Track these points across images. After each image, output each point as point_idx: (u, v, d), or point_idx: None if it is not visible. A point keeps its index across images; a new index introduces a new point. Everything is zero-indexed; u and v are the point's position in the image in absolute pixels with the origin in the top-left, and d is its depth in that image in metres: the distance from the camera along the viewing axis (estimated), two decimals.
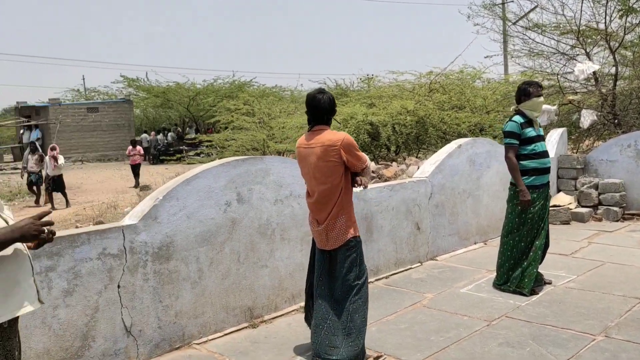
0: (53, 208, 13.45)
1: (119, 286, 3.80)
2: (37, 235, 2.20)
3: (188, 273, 4.18)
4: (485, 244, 7.13)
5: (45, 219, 2.24)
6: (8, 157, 32.00)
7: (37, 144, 15.84)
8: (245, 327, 4.46)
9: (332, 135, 3.60)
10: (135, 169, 18.15)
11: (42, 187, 14.47)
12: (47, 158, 14.18)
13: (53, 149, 14.16)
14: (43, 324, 3.44)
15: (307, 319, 4.03)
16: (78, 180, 20.07)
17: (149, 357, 3.94)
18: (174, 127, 32.65)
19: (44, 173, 14.38)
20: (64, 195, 14.21)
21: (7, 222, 2.29)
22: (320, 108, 3.63)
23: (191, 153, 23.90)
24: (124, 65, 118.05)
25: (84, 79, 63.02)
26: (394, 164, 12.25)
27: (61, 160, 14.17)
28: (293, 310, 4.80)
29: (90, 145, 29.24)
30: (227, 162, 4.50)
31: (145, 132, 31.42)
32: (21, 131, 29.12)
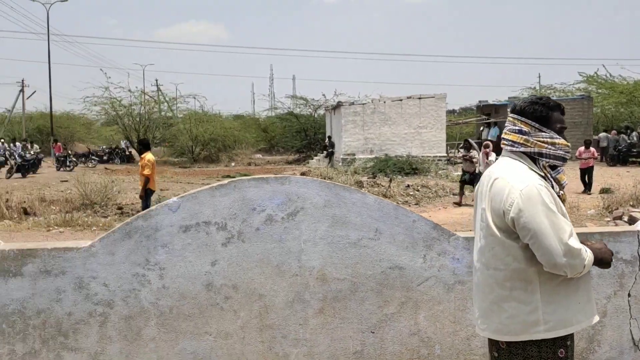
0: (459, 205, 13.73)
1: (629, 295, 3.54)
2: (609, 266, 2.24)
3: None
4: None
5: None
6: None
7: (470, 141, 15.61)
8: None
9: None
10: (588, 173, 16.12)
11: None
12: (480, 155, 14.09)
13: (486, 146, 14.06)
14: None
15: None
16: None
17: None
18: None
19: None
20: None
21: None
22: None
23: None
24: (579, 60, 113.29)
25: (539, 76, 63.56)
26: None
27: (492, 157, 13.59)
28: None
29: None
30: None
31: (605, 130, 29.32)
32: (481, 128, 31.22)
